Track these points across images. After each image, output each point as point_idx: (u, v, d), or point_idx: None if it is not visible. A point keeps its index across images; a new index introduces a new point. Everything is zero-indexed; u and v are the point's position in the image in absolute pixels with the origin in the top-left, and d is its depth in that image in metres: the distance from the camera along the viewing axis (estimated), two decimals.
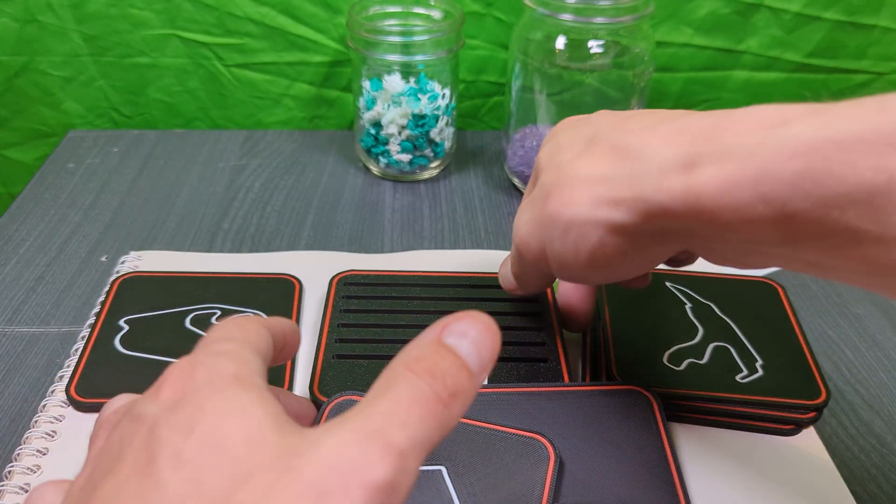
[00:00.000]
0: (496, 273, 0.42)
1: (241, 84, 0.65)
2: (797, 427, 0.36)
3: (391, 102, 0.54)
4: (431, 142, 0.57)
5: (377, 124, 0.56)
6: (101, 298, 0.43)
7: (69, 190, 0.57)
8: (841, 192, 0.20)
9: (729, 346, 0.39)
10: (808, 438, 0.36)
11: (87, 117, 0.67)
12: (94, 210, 0.54)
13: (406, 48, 0.53)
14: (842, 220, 0.21)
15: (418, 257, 0.49)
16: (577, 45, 0.50)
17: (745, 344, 0.39)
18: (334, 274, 0.44)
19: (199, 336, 0.40)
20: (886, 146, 0.20)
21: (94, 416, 0.36)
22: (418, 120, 0.55)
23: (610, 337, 0.39)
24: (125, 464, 0.19)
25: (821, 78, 0.65)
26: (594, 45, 0.50)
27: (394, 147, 0.56)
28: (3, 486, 0.33)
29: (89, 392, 0.37)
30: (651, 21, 0.55)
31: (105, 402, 0.36)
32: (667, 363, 0.38)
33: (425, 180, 0.59)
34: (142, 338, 0.40)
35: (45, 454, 0.34)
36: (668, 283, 0.43)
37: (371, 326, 0.40)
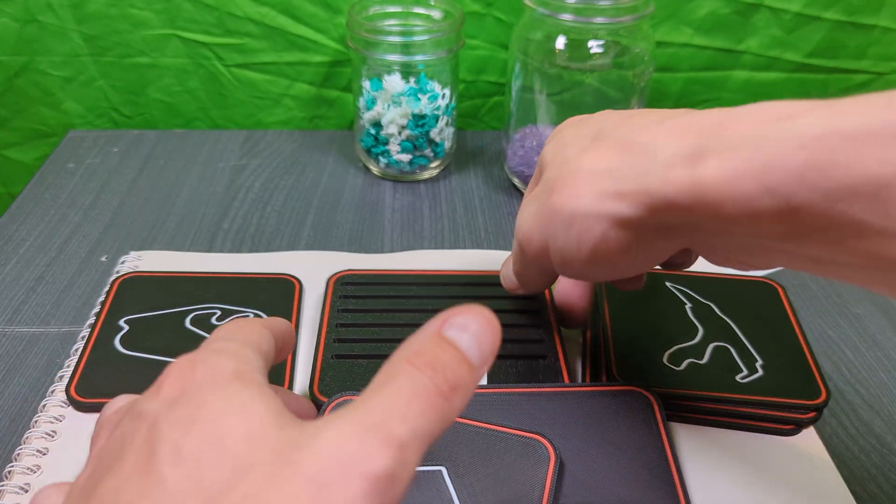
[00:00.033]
0: (494, 271, 0.42)
1: (241, 84, 0.65)
2: (797, 427, 0.36)
3: (391, 102, 0.54)
4: (431, 142, 0.57)
5: (377, 124, 0.56)
6: (101, 298, 0.43)
7: (69, 190, 0.57)
8: (847, 184, 0.20)
9: (729, 346, 0.39)
10: (808, 438, 0.36)
11: (87, 117, 0.67)
12: (94, 210, 0.54)
13: (406, 48, 0.53)
14: (847, 213, 0.21)
15: (418, 257, 0.49)
16: (577, 45, 0.50)
17: (745, 344, 0.39)
18: (331, 274, 0.44)
19: (199, 336, 0.40)
20: (894, 139, 0.20)
21: (95, 416, 0.36)
22: (418, 120, 0.55)
23: (610, 337, 0.39)
24: (126, 461, 0.19)
25: (821, 78, 0.65)
26: (594, 45, 0.50)
27: (394, 147, 0.56)
28: (3, 486, 0.33)
29: (89, 392, 0.37)
30: (651, 21, 0.55)
31: (105, 402, 0.36)
32: (667, 363, 0.38)
33: (425, 180, 0.59)
34: (142, 338, 0.40)
35: (45, 454, 0.34)
36: (668, 283, 0.43)
37: (369, 326, 0.40)
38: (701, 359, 0.38)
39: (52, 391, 0.38)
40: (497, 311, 0.41)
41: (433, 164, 0.58)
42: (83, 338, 0.40)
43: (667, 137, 0.25)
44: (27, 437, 0.35)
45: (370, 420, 0.18)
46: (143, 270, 0.46)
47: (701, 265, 0.41)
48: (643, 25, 0.51)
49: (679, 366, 0.38)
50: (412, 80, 0.54)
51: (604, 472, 0.32)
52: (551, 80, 0.52)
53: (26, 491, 0.33)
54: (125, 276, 0.44)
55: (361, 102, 0.56)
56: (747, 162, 0.22)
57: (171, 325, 0.41)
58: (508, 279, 0.39)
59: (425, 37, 0.53)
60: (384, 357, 0.39)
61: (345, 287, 0.43)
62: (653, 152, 0.25)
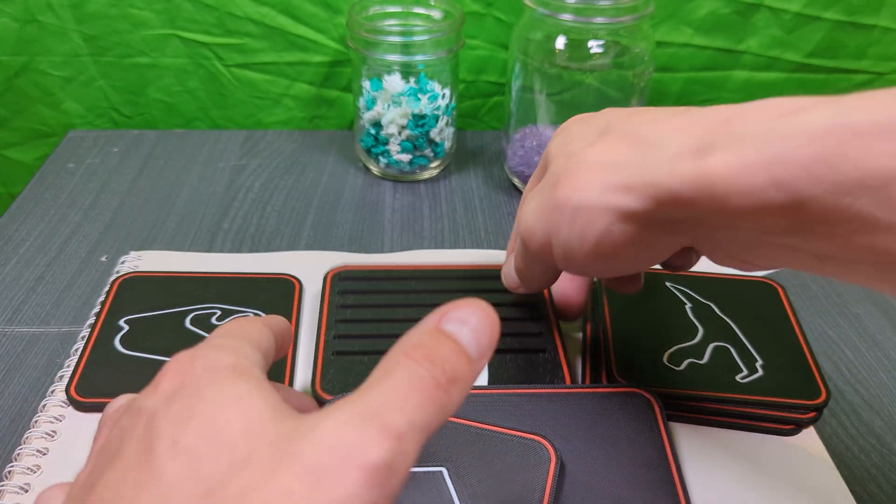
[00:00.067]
0: (493, 265, 0.42)
1: (241, 84, 0.65)
2: (797, 427, 0.36)
3: (391, 102, 0.54)
4: (431, 142, 0.57)
5: (377, 124, 0.56)
6: (101, 298, 0.43)
7: (69, 190, 0.57)
8: (855, 177, 0.20)
9: (729, 346, 0.39)
10: (808, 438, 0.36)
11: (87, 117, 0.67)
12: (94, 210, 0.54)
13: (406, 48, 0.53)
14: (854, 207, 0.21)
15: (418, 257, 0.49)
16: (577, 45, 0.50)
17: (745, 344, 0.39)
18: (328, 270, 0.44)
19: (199, 336, 0.40)
20: None
21: (95, 415, 0.36)
22: (418, 120, 0.55)
23: (610, 337, 0.39)
24: (125, 455, 0.19)
25: (821, 78, 0.65)
26: (594, 45, 0.50)
27: (394, 147, 0.56)
28: (3, 486, 0.33)
29: (89, 392, 0.37)
30: (651, 21, 0.55)
31: (105, 402, 0.36)
32: (667, 363, 0.38)
33: (425, 180, 0.59)
34: (142, 338, 0.40)
35: (45, 454, 0.34)
36: (668, 283, 0.43)
37: (369, 322, 0.40)
38: (701, 359, 0.38)
39: (52, 391, 0.38)
40: (496, 305, 0.41)
41: (433, 164, 0.58)
42: (83, 338, 0.40)
43: (674, 132, 0.25)
44: (27, 437, 0.35)
45: (368, 411, 0.18)
46: (143, 270, 0.46)
47: (701, 265, 0.41)
48: (643, 25, 0.51)
49: (679, 366, 0.38)
50: (412, 80, 0.54)
51: (604, 473, 0.32)
52: (551, 80, 0.52)
53: (26, 491, 0.33)
54: (125, 276, 0.44)
55: (361, 102, 0.56)
56: (755, 155, 0.22)
57: (171, 325, 0.41)
58: (510, 277, 0.39)
59: (425, 37, 0.53)
60: (384, 353, 0.40)
61: (343, 283, 0.43)
62: (659, 146, 0.25)
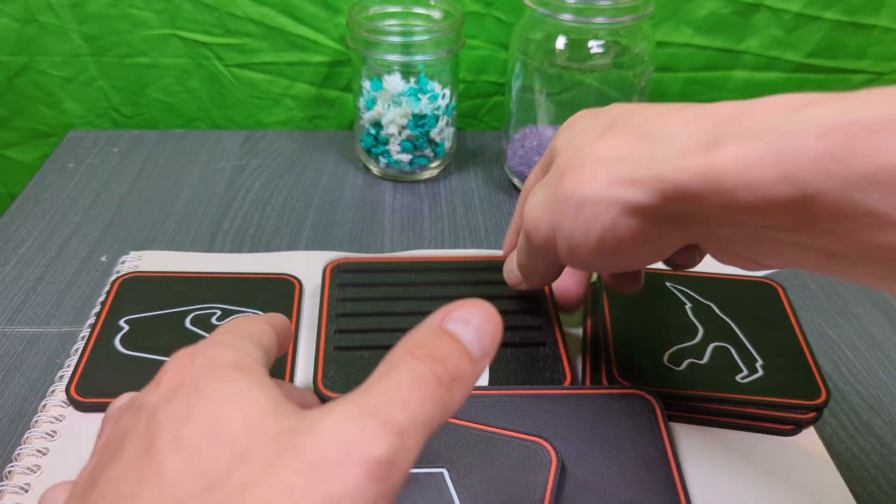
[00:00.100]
0: (491, 257, 0.42)
1: (241, 84, 0.65)
2: (797, 427, 0.36)
3: (391, 102, 0.54)
4: (431, 142, 0.57)
5: (377, 124, 0.56)
6: (101, 298, 0.43)
7: (69, 190, 0.57)
8: (865, 172, 0.20)
9: (729, 346, 0.39)
10: (808, 438, 0.36)
11: (87, 117, 0.67)
12: (94, 210, 0.54)
13: (406, 48, 0.53)
14: (863, 203, 0.21)
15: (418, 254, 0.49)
16: (577, 45, 0.50)
17: (745, 344, 0.39)
18: (327, 262, 0.44)
19: (199, 336, 0.40)
20: None
21: (95, 415, 0.36)
22: (418, 120, 0.55)
23: (610, 337, 0.39)
24: (126, 451, 0.19)
25: (821, 78, 0.65)
26: (594, 45, 0.50)
27: (394, 147, 0.56)
28: (3, 486, 0.33)
29: (89, 392, 0.37)
30: (651, 21, 0.55)
31: (105, 402, 0.36)
32: (667, 363, 0.38)
33: (425, 180, 0.59)
34: (142, 338, 0.40)
35: (45, 454, 0.34)
36: (668, 284, 0.43)
37: (369, 315, 0.40)
38: (701, 359, 0.38)
39: (52, 391, 0.38)
40: (494, 297, 0.42)
41: (433, 164, 0.58)
42: (83, 338, 0.40)
43: (681, 126, 0.25)
44: (27, 437, 0.35)
45: (370, 407, 0.18)
46: (144, 270, 0.46)
47: (701, 265, 0.41)
48: (643, 25, 0.51)
49: (679, 366, 0.38)
50: (412, 80, 0.54)
51: (605, 474, 0.32)
52: (551, 80, 0.52)
53: (26, 491, 0.33)
54: (125, 276, 0.44)
55: (361, 102, 0.56)
56: (764, 149, 0.22)
57: (171, 325, 0.41)
58: (512, 274, 0.39)
59: (425, 37, 0.53)
60: (386, 348, 0.39)
61: (342, 275, 0.43)
62: (667, 140, 0.25)
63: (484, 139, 0.66)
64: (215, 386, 0.20)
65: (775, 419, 0.36)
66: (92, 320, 0.41)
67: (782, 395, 0.36)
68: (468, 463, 0.31)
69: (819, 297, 0.47)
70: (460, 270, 0.43)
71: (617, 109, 0.30)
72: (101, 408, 0.36)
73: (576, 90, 0.52)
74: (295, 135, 0.66)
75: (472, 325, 0.21)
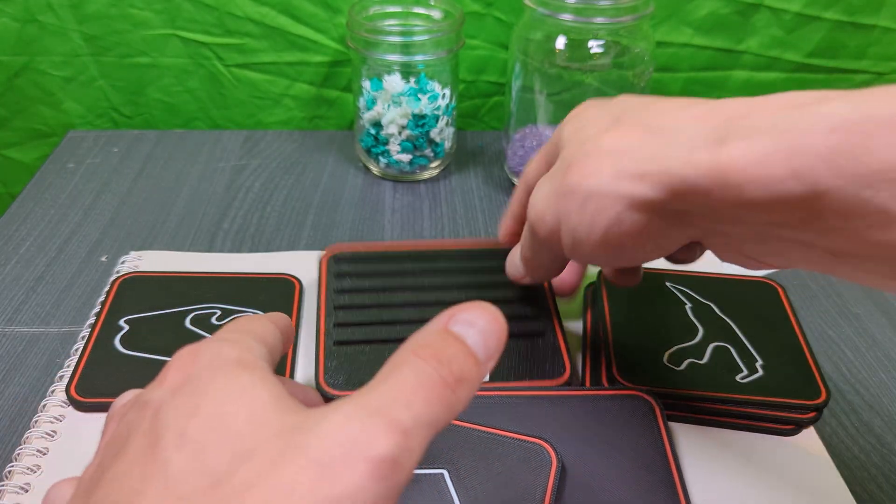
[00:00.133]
0: (485, 244, 0.42)
1: (241, 84, 0.65)
2: (797, 427, 0.36)
3: (391, 102, 0.54)
4: (431, 142, 0.57)
5: (377, 124, 0.56)
6: (101, 298, 0.43)
7: (69, 190, 0.57)
8: (877, 169, 0.20)
9: (729, 346, 0.39)
10: (808, 438, 0.36)
11: (87, 117, 0.67)
12: (94, 210, 0.54)
13: (406, 48, 0.53)
14: (874, 201, 0.21)
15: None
16: (577, 45, 0.50)
17: (745, 344, 0.39)
18: (323, 251, 0.43)
19: (199, 336, 0.40)
20: None
21: (95, 415, 0.36)
22: (418, 120, 0.55)
23: (610, 337, 0.39)
24: (131, 448, 0.19)
25: (821, 78, 0.65)
26: (594, 45, 0.50)
27: (394, 147, 0.56)
28: (3, 486, 0.33)
29: (89, 392, 0.37)
30: (651, 21, 0.55)
31: (105, 402, 0.37)
32: (667, 363, 0.38)
33: (425, 180, 0.59)
34: (142, 338, 0.40)
35: (45, 454, 0.34)
36: (668, 284, 0.43)
37: (368, 307, 0.40)
38: (701, 359, 0.38)
39: (52, 391, 0.38)
40: (492, 286, 0.42)
41: (433, 164, 0.58)
42: (83, 338, 0.40)
43: (691, 121, 0.25)
44: (27, 437, 0.35)
45: (375, 406, 0.18)
46: (144, 270, 0.46)
47: (701, 265, 0.41)
48: (643, 25, 0.51)
49: (679, 366, 0.38)
50: (412, 80, 0.54)
51: (605, 475, 0.32)
52: (551, 80, 0.52)
53: (26, 491, 0.33)
54: (125, 276, 0.44)
55: (361, 102, 0.56)
56: (775, 145, 0.22)
57: (171, 325, 0.41)
58: (514, 268, 0.38)
59: (425, 37, 0.53)
60: (386, 341, 0.39)
61: (338, 265, 0.42)
62: (675, 135, 0.25)
63: (484, 139, 0.66)
64: (219, 382, 0.20)
65: (775, 419, 0.36)
66: (92, 320, 0.41)
67: (782, 394, 0.36)
68: (468, 464, 0.31)
69: (819, 296, 0.47)
70: (457, 258, 0.43)
71: (626, 102, 0.29)
72: (101, 408, 0.36)
73: (576, 90, 0.52)
74: (295, 135, 0.66)
75: (477, 327, 0.21)
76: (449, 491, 0.30)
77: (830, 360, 0.42)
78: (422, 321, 0.41)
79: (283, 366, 0.39)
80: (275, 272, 0.46)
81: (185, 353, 0.22)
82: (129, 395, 0.25)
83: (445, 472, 0.31)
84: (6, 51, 0.62)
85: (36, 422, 0.36)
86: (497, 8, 0.62)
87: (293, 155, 0.62)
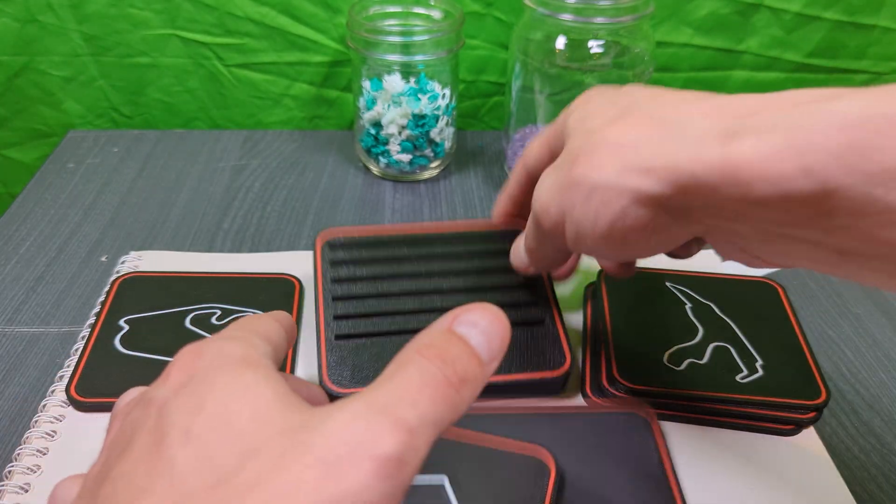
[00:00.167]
0: (481, 226, 0.41)
1: (241, 84, 0.65)
2: (797, 427, 0.36)
3: (391, 102, 0.54)
4: (431, 142, 0.57)
5: (377, 124, 0.56)
6: (101, 298, 0.43)
7: (69, 190, 0.57)
8: (888, 167, 0.20)
9: (729, 346, 0.39)
10: (808, 438, 0.36)
11: (87, 117, 0.67)
12: (94, 210, 0.54)
13: (406, 48, 0.53)
14: (884, 199, 0.20)
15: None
16: (577, 45, 0.50)
17: (745, 344, 0.39)
18: (317, 234, 0.43)
19: (199, 336, 0.40)
20: None
21: (95, 415, 0.36)
22: (418, 120, 0.55)
23: (610, 337, 0.39)
24: (136, 445, 0.19)
25: (821, 78, 0.65)
26: (594, 45, 0.50)
27: (394, 147, 0.56)
28: (3, 486, 0.33)
29: (89, 392, 0.37)
30: (651, 21, 0.55)
31: (105, 402, 0.37)
32: (667, 363, 0.38)
33: (425, 180, 0.59)
34: (142, 338, 0.40)
35: (45, 454, 0.34)
36: (668, 284, 0.43)
37: (366, 297, 0.39)
38: (701, 359, 0.38)
39: (52, 391, 0.38)
40: (489, 271, 0.41)
41: (433, 164, 0.58)
42: (83, 338, 0.41)
43: (700, 116, 0.25)
44: (27, 437, 0.35)
45: (380, 405, 0.18)
46: (143, 270, 0.46)
47: (702, 265, 0.41)
48: (643, 25, 0.51)
49: (679, 366, 0.38)
50: (412, 80, 0.54)
51: (603, 484, 0.32)
52: (551, 80, 0.52)
53: (26, 491, 0.33)
54: (125, 276, 0.44)
55: (361, 102, 0.56)
56: (786, 141, 0.22)
57: (171, 325, 0.41)
58: (518, 257, 0.38)
59: (425, 37, 0.53)
60: (388, 334, 0.39)
61: (334, 252, 0.42)
62: (684, 129, 0.25)
63: (484, 139, 0.66)
64: (223, 380, 0.20)
65: (775, 419, 0.36)
66: (92, 320, 0.41)
67: (782, 394, 0.36)
68: (468, 473, 0.31)
69: (819, 296, 0.47)
70: (453, 242, 0.42)
71: (634, 92, 0.29)
72: (101, 408, 0.36)
73: (576, 90, 0.52)
74: (295, 135, 0.66)
75: (480, 328, 0.21)
76: (449, 499, 0.31)
77: (830, 360, 0.42)
78: (422, 311, 0.40)
79: (283, 364, 0.38)
80: (275, 272, 0.46)
81: (189, 352, 0.22)
82: (133, 393, 0.26)
83: (446, 481, 0.31)
84: (6, 51, 0.62)
85: (36, 422, 0.36)
86: (497, 8, 0.62)
87: (293, 155, 0.62)
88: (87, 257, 0.49)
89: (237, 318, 0.41)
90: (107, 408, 0.36)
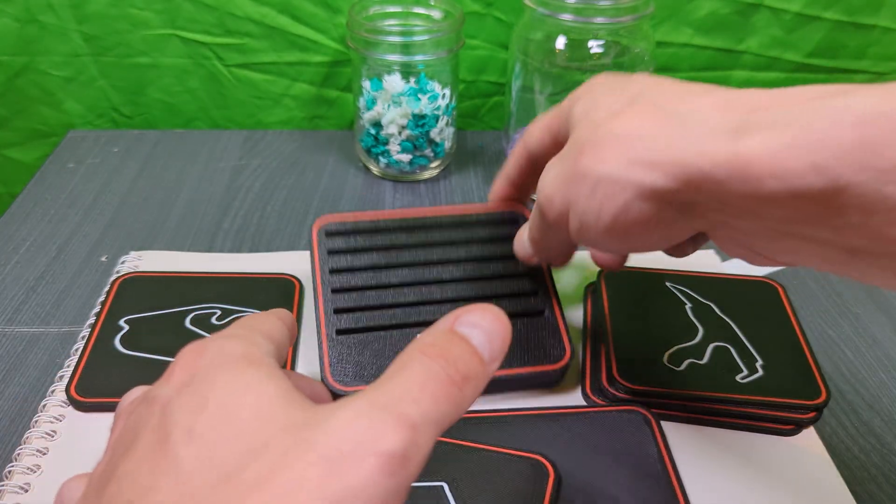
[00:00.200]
0: (477, 209, 0.41)
1: (241, 84, 0.65)
2: (797, 427, 0.36)
3: (391, 102, 0.54)
4: (431, 142, 0.57)
5: (377, 124, 0.56)
6: (102, 298, 0.43)
7: (69, 190, 0.57)
8: None
9: (729, 346, 0.39)
10: (809, 438, 0.36)
11: (87, 117, 0.67)
12: (94, 210, 0.54)
13: (406, 48, 0.53)
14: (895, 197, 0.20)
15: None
16: (577, 45, 0.50)
17: (745, 344, 0.39)
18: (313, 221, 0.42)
19: (199, 336, 0.40)
20: None
21: (95, 415, 0.36)
22: (418, 120, 0.55)
23: (610, 337, 0.39)
24: (140, 444, 0.19)
25: (821, 78, 0.65)
26: (594, 45, 0.50)
27: (394, 147, 0.56)
28: (3, 485, 0.33)
29: (89, 392, 0.37)
30: (651, 21, 0.55)
31: (105, 402, 0.37)
32: (667, 363, 0.38)
33: (425, 180, 0.59)
34: (142, 338, 0.40)
35: (45, 454, 0.34)
36: (668, 283, 0.43)
37: (366, 289, 0.39)
38: (701, 359, 0.38)
39: (52, 391, 0.38)
40: (488, 258, 0.41)
41: (433, 164, 0.58)
42: (83, 338, 0.41)
43: (710, 110, 0.24)
44: (27, 437, 0.35)
45: (384, 401, 0.18)
46: (144, 270, 0.46)
47: (702, 265, 0.41)
48: (643, 25, 0.51)
49: (679, 366, 0.38)
50: (412, 80, 0.54)
51: (603, 486, 0.32)
52: (551, 80, 0.52)
53: (26, 490, 0.33)
54: (125, 276, 0.44)
55: (361, 102, 0.56)
56: (797, 137, 0.21)
57: (171, 325, 0.41)
58: (522, 247, 0.38)
59: (425, 37, 0.53)
60: (388, 328, 0.38)
61: (330, 241, 0.41)
62: (693, 123, 0.24)
63: (484, 139, 0.66)
64: (226, 378, 0.20)
65: (775, 419, 0.36)
66: (92, 320, 0.41)
67: (782, 394, 0.36)
68: (467, 477, 0.32)
69: (819, 296, 0.47)
70: (451, 228, 0.42)
71: (642, 82, 0.29)
72: (101, 407, 0.36)
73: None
74: (295, 135, 0.66)
75: (481, 328, 0.21)
76: (449, 501, 0.31)
77: (830, 360, 0.42)
78: (422, 303, 0.40)
79: (283, 367, 0.38)
80: (275, 272, 0.46)
81: (192, 350, 0.22)
82: (136, 393, 0.26)
83: (445, 485, 0.31)
84: (6, 51, 0.62)
85: (36, 422, 0.36)
86: (497, 8, 0.62)
87: (293, 155, 0.62)
88: (87, 257, 0.49)
89: (237, 318, 0.42)
90: (107, 408, 0.36)
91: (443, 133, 0.57)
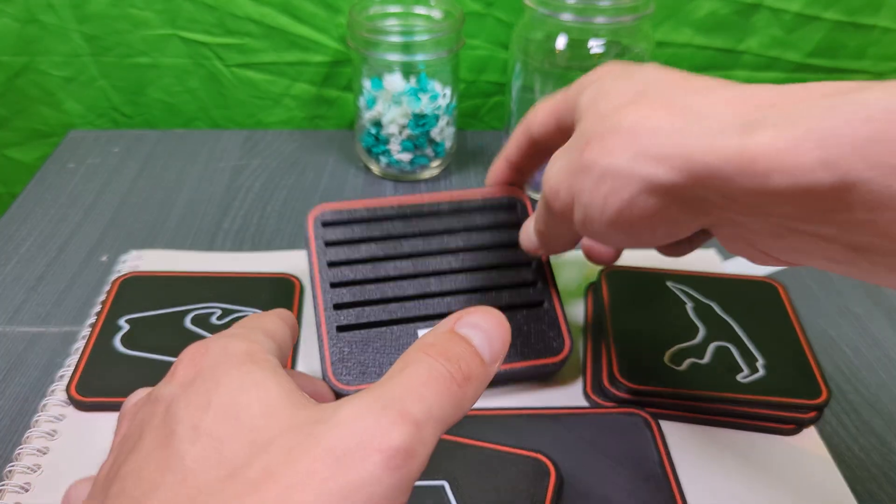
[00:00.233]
0: (475, 195, 0.41)
1: (242, 84, 0.65)
2: (798, 426, 0.36)
3: (392, 102, 0.54)
4: (432, 141, 0.57)
5: (378, 124, 0.56)
6: (102, 298, 0.43)
7: (69, 190, 0.57)
8: None
9: (730, 346, 0.39)
10: (809, 438, 0.36)
11: (87, 117, 0.67)
12: (94, 210, 0.54)
13: (406, 48, 0.53)
14: None
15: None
16: (577, 45, 0.50)
17: (746, 343, 0.39)
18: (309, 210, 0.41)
19: (199, 335, 0.40)
20: None
21: (95, 415, 0.36)
22: (419, 119, 0.55)
23: (611, 337, 0.39)
24: (146, 443, 0.20)
25: (821, 78, 0.65)
26: (594, 45, 0.50)
27: (394, 147, 0.56)
28: (3, 485, 0.33)
29: (89, 391, 0.37)
30: (651, 21, 0.55)
31: (106, 401, 0.37)
32: (668, 363, 0.38)
33: (426, 180, 0.59)
34: (142, 337, 0.40)
35: (45, 453, 0.34)
36: (669, 283, 0.43)
37: (365, 282, 0.38)
38: (702, 358, 0.38)
39: (53, 391, 0.38)
40: (488, 247, 0.41)
41: (434, 164, 0.58)
42: (83, 337, 0.40)
43: (720, 105, 0.24)
44: (27, 437, 0.35)
45: (387, 399, 0.18)
46: (144, 270, 0.46)
47: (703, 265, 0.41)
48: (643, 25, 0.51)
49: (680, 365, 0.38)
50: (413, 79, 0.54)
51: (603, 487, 0.32)
52: (552, 80, 0.52)
53: (26, 490, 0.33)
54: (125, 276, 0.44)
55: (362, 102, 0.56)
56: (807, 132, 0.21)
57: (172, 325, 0.41)
58: (528, 239, 0.37)
59: (426, 36, 0.53)
60: (389, 323, 0.38)
61: (326, 231, 0.40)
62: (702, 117, 0.24)
63: (484, 139, 0.66)
64: (230, 376, 0.20)
65: (776, 419, 0.36)
66: (92, 320, 0.41)
67: (783, 394, 0.36)
68: (469, 477, 0.32)
69: (819, 296, 0.47)
70: (449, 215, 0.41)
71: (651, 74, 0.28)
72: (101, 407, 0.36)
73: None
74: (295, 134, 0.66)
75: (482, 329, 0.21)
76: (450, 501, 0.31)
77: (831, 360, 0.42)
78: (423, 296, 0.40)
79: (283, 367, 0.38)
80: (275, 271, 0.46)
81: (195, 349, 0.22)
82: (140, 394, 0.26)
83: (446, 484, 0.31)
84: (7, 51, 0.62)
85: (36, 421, 0.36)
86: (497, 8, 0.62)
87: (293, 155, 0.62)
88: (87, 257, 0.49)
89: (237, 317, 0.42)
90: (107, 407, 0.36)
91: (443, 133, 0.57)
